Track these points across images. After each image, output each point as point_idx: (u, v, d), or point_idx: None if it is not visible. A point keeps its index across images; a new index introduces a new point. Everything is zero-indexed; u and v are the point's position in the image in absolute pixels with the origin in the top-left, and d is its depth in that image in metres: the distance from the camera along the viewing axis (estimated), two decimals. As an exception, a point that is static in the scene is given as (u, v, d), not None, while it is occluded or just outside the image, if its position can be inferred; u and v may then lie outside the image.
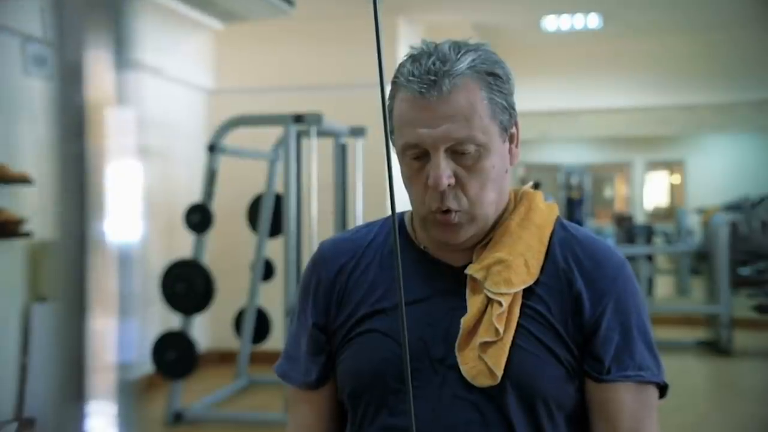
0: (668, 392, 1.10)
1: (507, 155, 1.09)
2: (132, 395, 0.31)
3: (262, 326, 5.06)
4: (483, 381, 1.02)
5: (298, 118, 4.15)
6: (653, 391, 1.07)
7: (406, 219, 1.17)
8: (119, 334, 0.30)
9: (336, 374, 1.14)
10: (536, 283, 1.06)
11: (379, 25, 0.83)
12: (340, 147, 4.70)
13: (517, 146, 1.11)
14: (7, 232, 3.68)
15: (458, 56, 1.02)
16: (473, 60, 1.03)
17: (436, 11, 6.18)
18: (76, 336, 0.29)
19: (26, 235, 3.77)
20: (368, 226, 1.21)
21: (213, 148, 4.42)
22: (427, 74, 1.01)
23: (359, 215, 4.72)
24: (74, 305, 0.29)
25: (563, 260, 1.08)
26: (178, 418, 4.35)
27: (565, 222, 1.15)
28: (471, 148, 1.02)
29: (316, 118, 4.13)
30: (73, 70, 0.27)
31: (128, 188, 0.30)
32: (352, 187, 4.76)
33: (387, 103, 1.09)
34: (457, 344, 1.04)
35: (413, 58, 1.04)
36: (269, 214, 4.66)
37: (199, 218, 4.36)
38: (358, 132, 4.67)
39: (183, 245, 4.71)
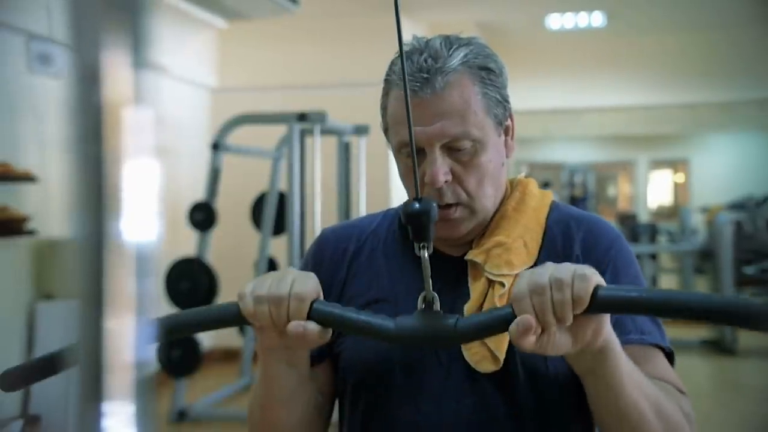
0: (674, 361, 1.07)
1: (503, 148, 1.09)
2: (148, 393, 0.31)
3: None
4: (486, 366, 1.01)
5: (302, 117, 4.15)
6: (661, 355, 1.05)
7: None
8: (136, 332, 0.30)
9: (335, 361, 1.12)
10: (535, 264, 1.06)
11: (400, 23, 0.82)
12: (344, 145, 4.70)
13: (512, 139, 1.11)
14: (10, 230, 3.69)
15: (450, 52, 1.02)
16: (465, 55, 1.02)
17: (439, 10, 6.18)
18: (95, 335, 0.29)
19: (30, 233, 3.77)
20: (370, 216, 1.21)
21: (217, 147, 4.43)
22: (420, 72, 1.01)
23: (362, 213, 4.73)
24: (92, 304, 0.29)
25: (561, 236, 1.09)
26: (181, 416, 4.36)
27: (560, 203, 1.16)
28: (466, 144, 1.02)
29: (320, 116, 4.13)
30: (90, 70, 0.27)
31: (144, 187, 0.31)
32: (355, 186, 4.76)
33: (381, 101, 1.09)
34: None
35: (405, 56, 1.03)
36: (273, 213, 4.66)
37: (202, 216, 4.37)
38: (361, 130, 4.66)
39: (186, 243, 4.71)
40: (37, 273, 3.99)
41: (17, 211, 3.76)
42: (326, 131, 4.38)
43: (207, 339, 5.53)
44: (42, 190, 3.93)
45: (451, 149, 1.02)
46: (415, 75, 1.01)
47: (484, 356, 1.01)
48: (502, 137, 1.08)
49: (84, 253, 0.28)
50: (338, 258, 1.14)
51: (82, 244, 0.28)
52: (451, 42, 1.03)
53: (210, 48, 6.09)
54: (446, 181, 1.02)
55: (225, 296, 4.66)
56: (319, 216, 4.20)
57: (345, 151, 4.71)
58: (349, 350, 1.09)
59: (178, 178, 5.34)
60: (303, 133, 4.28)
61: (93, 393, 0.28)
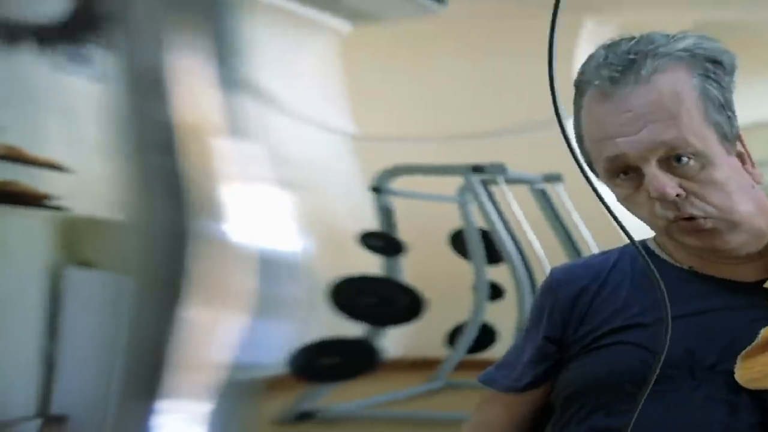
0: None
1: (743, 172, 0.89)
2: (242, 396, 0.28)
3: (485, 338, 4.91)
4: (760, 384, 0.86)
5: (477, 169, 3.94)
6: None
7: (651, 245, 1.03)
8: (248, 333, 0.28)
9: (555, 380, 1.05)
10: None
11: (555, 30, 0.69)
12: (539, 192, 4.33)
13: (753, 166, 0.91)
14: (27, 202, 3.35)
15: (671, 39, 0.87)
16: (692, 42, 0.87)
17: (637, 7, 5.37)
18: (159, 324, 0.25)
19: (57, 209, 3.10)
20: (604, 253, 1.10)
21: (378, 190, 4.42)
22: (626, 53, 0.84)
23: (594, 249, 4.12)
24: (161, 290, 0.25)
25: None
26: (303, 417, 4.00)
27: None
28: (687, 157, 0.85)
29: (499, 169, 3.92)
30: (147, 78, 0.23)
31: (268, 209, 0.30)
32: (569, 223, 4.30)
33: (573, 115, 0.95)
34: (745, 351, 0.88)
35: (609, 45, 0.89)
36: (481, 247, 4.48)
37: (382, 244, 4.43)
38: (553, 179, 4.23)
39: (353, 263, 4.47)
40: (68, 241, 3.19)
41: (29, 186, 3.38)
42: (511, 181, 4.10)
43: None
44: (74, 180, 3.15)
45: (671, 165, 0.86)
46: (620, 56, 0.84)
47: (765, 375, 0.86)
48: (735, 160, 0.89)
49: (155, 240, 0.26)
50: (574, 296, 1.03)
51: (153, 232, 0.26)
52: (674, 34, 0.88)
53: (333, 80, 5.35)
54: (678, 195, 0.85)
55: (433, 311, 4.40)
56: (540, 249, 3.87)
57: (542, 197, 4.33)
58: (581, 367, 1.01)
59: (330, 210, 4.92)
60: (485, 183, 4.05)
61: (142, 389, 0.24)
